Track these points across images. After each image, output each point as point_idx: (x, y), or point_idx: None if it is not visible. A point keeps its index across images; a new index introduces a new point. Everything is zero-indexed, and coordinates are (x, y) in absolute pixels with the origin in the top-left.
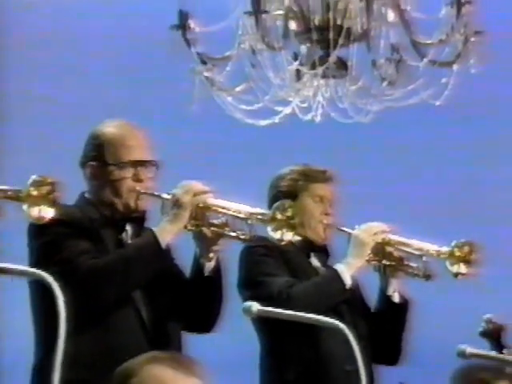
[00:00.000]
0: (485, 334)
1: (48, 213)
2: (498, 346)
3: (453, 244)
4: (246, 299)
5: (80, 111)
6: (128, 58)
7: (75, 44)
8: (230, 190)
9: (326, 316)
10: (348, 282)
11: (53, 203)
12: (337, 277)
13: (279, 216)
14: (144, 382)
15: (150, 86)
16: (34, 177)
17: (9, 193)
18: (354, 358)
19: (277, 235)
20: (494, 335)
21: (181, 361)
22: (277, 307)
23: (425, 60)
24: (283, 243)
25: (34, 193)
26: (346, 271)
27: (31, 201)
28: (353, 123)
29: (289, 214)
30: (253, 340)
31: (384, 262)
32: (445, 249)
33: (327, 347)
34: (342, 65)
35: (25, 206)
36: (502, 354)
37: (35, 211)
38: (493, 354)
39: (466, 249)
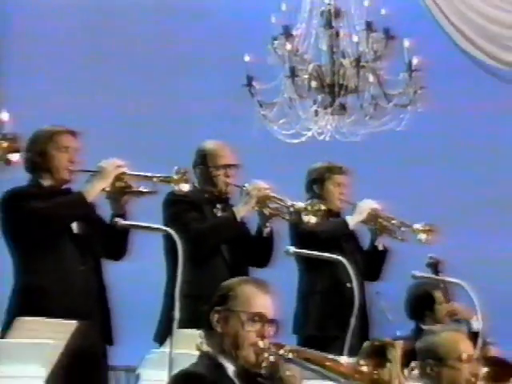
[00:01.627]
0: (428, 265)
1: (184, 187)
2: (436, 272)
3: (421, 224)
4: (291, 238)
5: (189, 124)
6: (216, 104)
7: (180, 90)
8: (276, 183)
9: (336, 254)
10: (351, 224)
11: (186, 181)
12: (343, 221)
13: (310, 208)
14: (237, 295)
15: (230, 120)
16: (175, 167)
17: (161, 178)
18: (351, 280)
19: (306, 219)
20: (433, 266)
21: (260, 282)
22: (310, 238)
23: (390, 104)
24: (310, 224)
25: (175, 177)
26: (350, 220)
27: (175, 181)
28: (349, 141)
29: (316, 208)
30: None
31: (376, 226)
32: (415, 225)
33: (337, 272)
34: (342, 107)
35: (172, 185)
36: (438, 276)
37: (175, 187)
38: (432, 275)
39: (427, 227)
